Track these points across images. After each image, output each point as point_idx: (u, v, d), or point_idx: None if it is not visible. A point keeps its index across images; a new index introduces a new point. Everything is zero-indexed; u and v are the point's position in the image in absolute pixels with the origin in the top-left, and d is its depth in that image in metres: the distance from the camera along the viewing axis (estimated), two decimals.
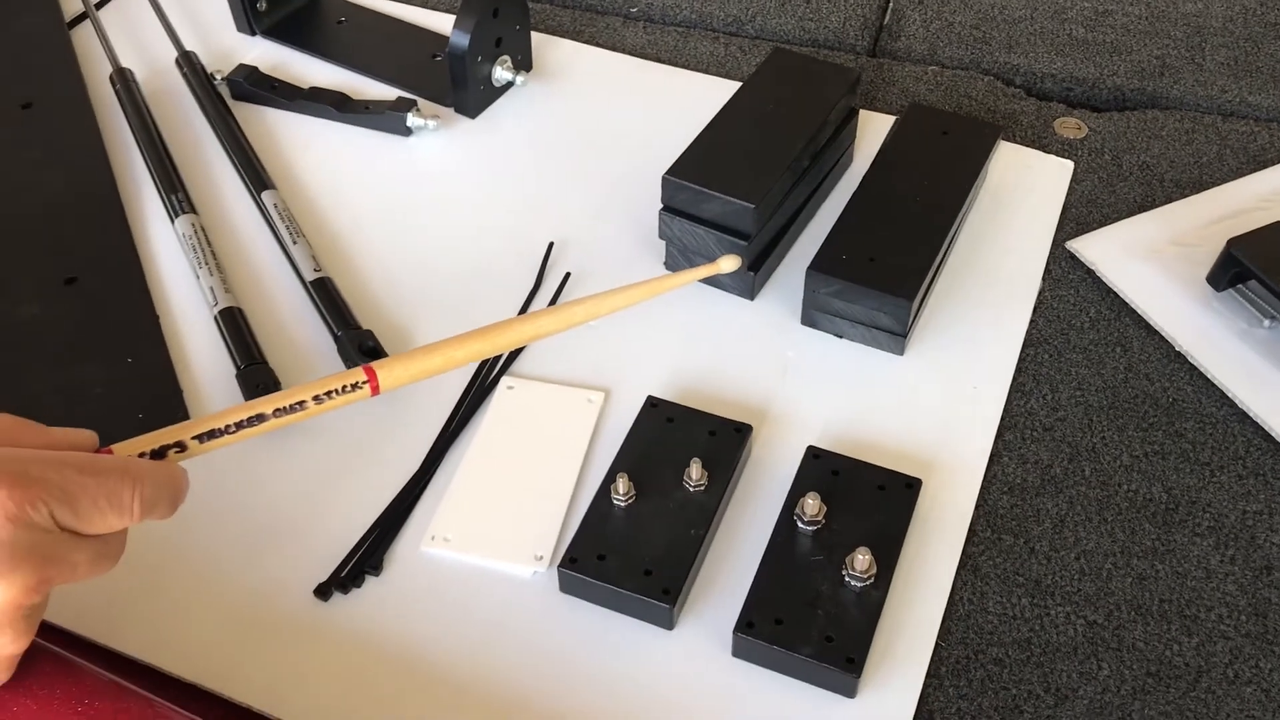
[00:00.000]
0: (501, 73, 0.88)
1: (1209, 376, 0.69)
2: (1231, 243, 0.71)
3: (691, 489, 0.61)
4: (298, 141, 0.87)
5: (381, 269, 0.76)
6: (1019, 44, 0.96)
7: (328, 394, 0.53)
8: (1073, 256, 0.77)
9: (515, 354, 0.71)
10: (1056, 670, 0.56)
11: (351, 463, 0.65)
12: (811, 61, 0.81)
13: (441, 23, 0.97)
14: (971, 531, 0.62)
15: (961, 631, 0.58)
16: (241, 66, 0.90)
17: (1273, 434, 0.66)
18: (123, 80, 0.89)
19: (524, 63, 0.91)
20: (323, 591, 0.59)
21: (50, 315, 0.73)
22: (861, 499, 0.61)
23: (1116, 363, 0.70)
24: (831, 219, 0.73)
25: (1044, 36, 0.96)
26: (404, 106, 0.86)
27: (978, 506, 0.63)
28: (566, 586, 0.59)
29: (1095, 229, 0.78)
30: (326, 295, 0.72)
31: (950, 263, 0.76)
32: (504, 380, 0.69)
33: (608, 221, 0.80)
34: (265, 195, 0.79)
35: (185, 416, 0.67)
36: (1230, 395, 0.68)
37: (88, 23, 0.96)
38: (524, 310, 0.74)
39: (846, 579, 0.57)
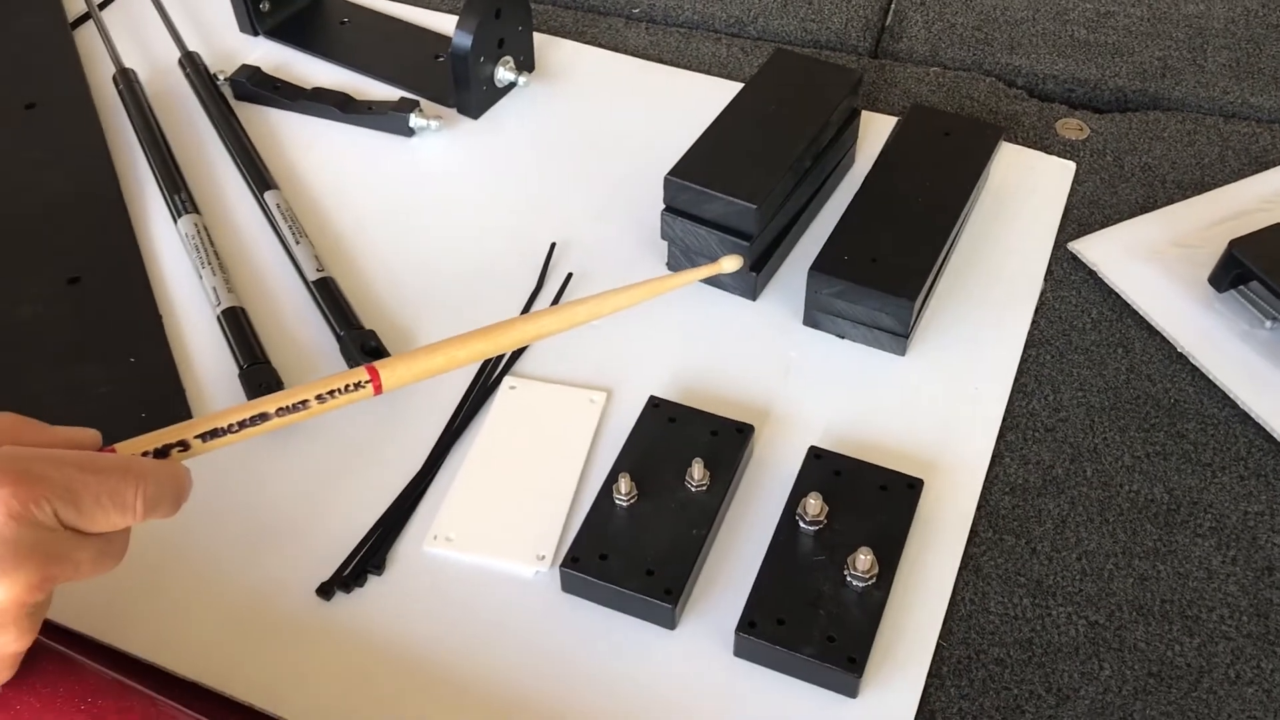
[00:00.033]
0: (504, 73, 0.88)
1: (1211, 377, 0.69)
2: (1233, 244, 0.71)
3: (693, 489, 0.61)
4: (300, 142, 0.87)
5: (384, 269, 0.77)
6: (1021, 45, 0.96)
7: (330, 393, 0.53)
8: (1074, 257, 0.77)
9: (517, 354, 0.71)
10: (1058, 670, 0.56)
11: (354, 462, 0.65)
12: (813, 62, 0.82)
13: (444, 23, 0.97)
14: (973, 532, 0.62)
15: (963, 631, 0.58)
16: (244, 67, 0.90)
17: (1274, 435, 0.66)
18: (126, 80, 0.89)
19: (526, 63, 0.91)
20: (325, 591, 0.59)
21: (53, 315, 0.73)
22: (863, 499, 0.61)
23: (1118, 363, 0.71)
24: (833, 220, 0.73)
25: (1046, 38, 0.96)
26: (406, 107, 0.86)
27: (979, 507, 0.63)
28: (568, 586, 0.59)
29: (1097, 230, 0.78)
30: (329, 295, 0.72)
31: (952, 263, 0.76)
32: (506, 380, 0.69)
33: (610, 222, 0.80)
34: (268, 195, 0.79)
35: (188, 416, 0.67)
36: (1232, 396, 0.68)
37: (91, 23, 0.96)
38: (526, 310, 0.74)
39: (848, 579, 0.57)
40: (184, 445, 0.51)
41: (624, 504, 0.60)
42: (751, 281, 0.73)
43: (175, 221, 0.78)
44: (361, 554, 0.60)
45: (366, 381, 0.54)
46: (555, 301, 0.74)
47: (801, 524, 0.59)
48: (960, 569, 0.60)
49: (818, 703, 0.55)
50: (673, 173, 0.72)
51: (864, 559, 0.56)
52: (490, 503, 0.63)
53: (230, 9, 0.96)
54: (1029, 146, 0.85)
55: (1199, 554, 0.61)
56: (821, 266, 0.69)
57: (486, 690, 0.55)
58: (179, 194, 0.79)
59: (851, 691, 0.55)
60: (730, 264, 0.62)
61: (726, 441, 0.63)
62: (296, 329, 0.72)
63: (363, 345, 0.69)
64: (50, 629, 0.52)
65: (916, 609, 0.58)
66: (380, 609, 0.58)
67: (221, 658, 0.56)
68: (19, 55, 0.94)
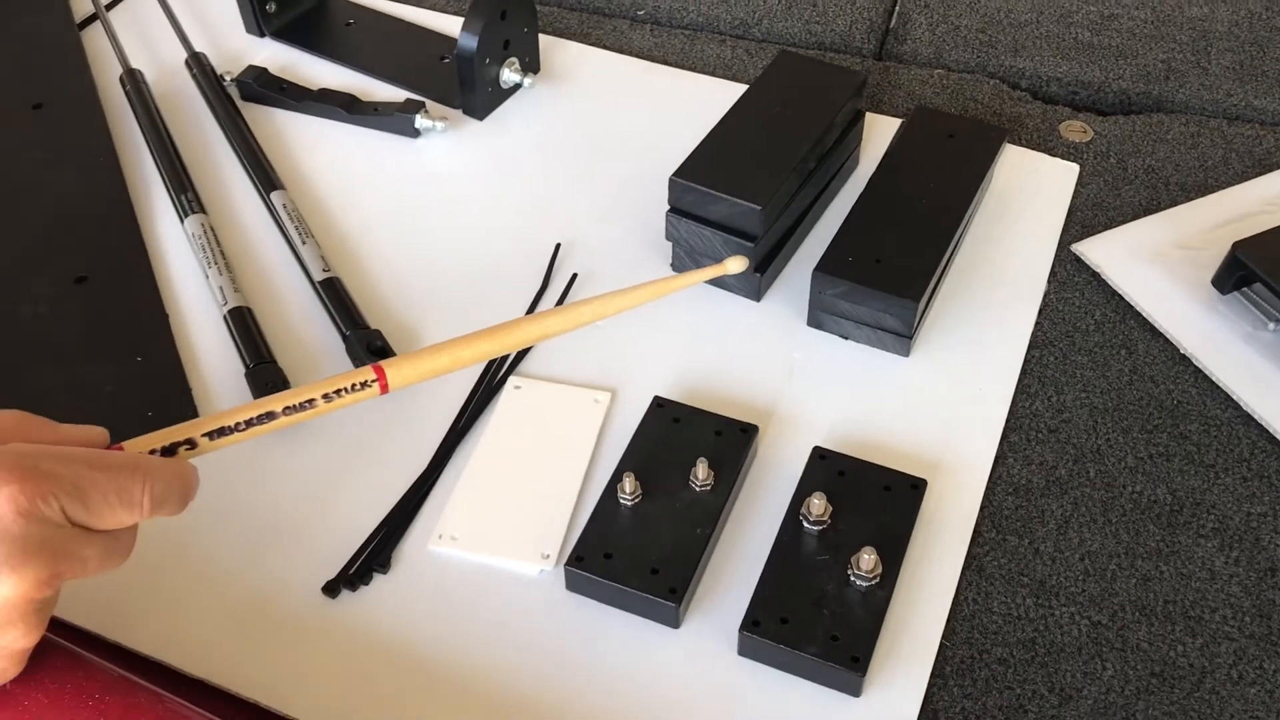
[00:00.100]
0: (509, 75, 0.89)
1: (1214, 379, 0.69)
2: (1236, 246, 0.71)
3: (698, 489, 0.61)
4: (306, 142, 0.87)
5: (390, 269, 0.77)
6: (1025, 48, 0.96)
7: (337, 392, 0.53)
8: (1078, 259, 0.77)
9: (522, 354, 0.71)
10: (1061, 670, 0.56)
11: (360, 461, 0.65)
12: (818, 64, 0.82)
13: (450, 25, 0.97)
14: (976, 532, 0.62)
15: (966, 631, 0.58)
16: (251, 68, 0.91)
17: (1277, 436, 0.66)
18: (133, 81, 0.89)
19: (532, 65, 0.91)
20: (331, 589, 0.59)
21: (60, 314, 0.73)
22: (867, 499, 0.61)
23: (1121, 365, 0.71)
24: (837, 221, 0.73)
25: (1050, 40, 0.97)
26: (412, 108, 0.86)
27: (983, 507, 0.63)
28: (573, 585, 0.59)
29: (1100, 232, 0.79)
30: (335, 295, 0.73)
31: (956, 265, 0.76)
32: (511, 380, 0.69)
33: (614, 223, 0.80)
34: (274, 196, 0.80)
35: (194, 415, 0.67)
36: (1235, 398, 0.68)
37: (98, 24, 0.97)
38: (531, 310, 0.74)
39: (852, 579, 0.57)
40: (191, 443, 0.51)
41: (628, 503, 0.60)
42: (756, 282, 0.73)
43: (182, 221, 0.79)
44: (367, 553, 0.61)
45: (373, 381, 0.54)
46: (560, 302, 0.75)
47: (805, 524, 0.59)
48: (963, 569, 0.60)
49: (821, 702, 0.55)
50: (677, 174, 0.72)
51: (868, 559, 0.56)
52: (495, 502, 0.63)
53: (237, 10, 0.97)
54: (1033, 149, 0.85)
55: (1202, 555, 0.61)
56: (826, 267, 0.69)
57: (491, 688, 0.56)
58: (185, 194, 0.80)
59: (855, 690, 0.55)
60: (735, 265, 0.62)
61: (731, 441, 0.64)
62: (302, 328, 0.73)
63: (368, 345, 0.69)
64: (57, 626, 0.52)
65: (920, 609, 0.58)
66: (386, 607, 0.59)
67: (228, 655, 0.56)
68: (26, 56, 0.94)
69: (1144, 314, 0.73)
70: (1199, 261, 0.75)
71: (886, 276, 0.68)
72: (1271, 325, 0.71)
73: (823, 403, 0.68)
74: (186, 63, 0.92)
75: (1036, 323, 0.73)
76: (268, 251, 0.78)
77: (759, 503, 0.63)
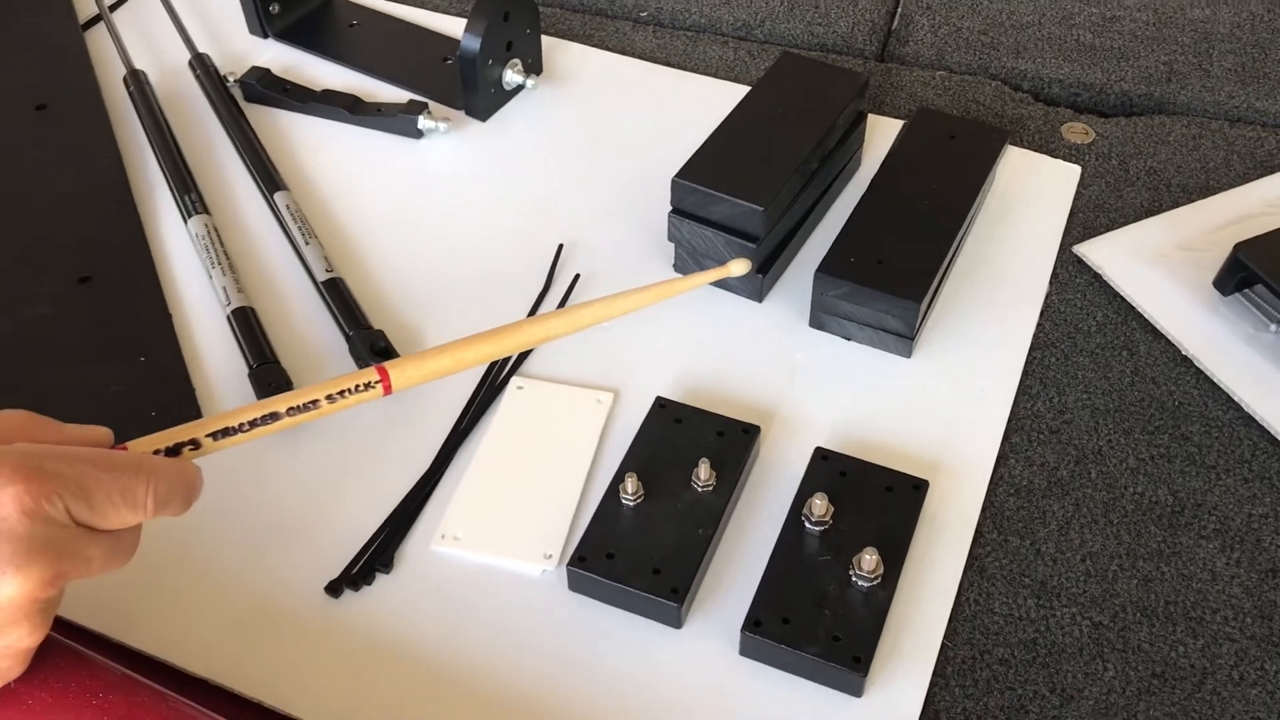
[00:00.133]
0: (512, 76, 0.89)
1: (1215, 380, 0.69)
2: (1238, 247, 0.71)
3: (700, 489, 0.61)
4: (310, 143, 0.87)
5: (393, 270, 0.77)
6: (1027, 49, 0.96)
7: (341, 393, 0.54)
8: (1079, 260, 0.77)
9: (525, 354, 0.71)
10: (1062, 671, 0.57)
11: (362, 461, 0.66)
12: (820, 66, 0.82)
13: (452, 26, 0.97)
14: (978, 533, 0.62)
15: (967, 632, 0.58)
16: (254, 69, 0.91)
17: (1278, 438, 0.66)
18: (136, 82, 0.89)
19: (534, 66, 0.91)
20: (334, 589, 0.59)
21: (64, 314, 0.73)
22: (869, 500, 0.61)
23: (1123, 366, 0.71)
24: (840, 222, 0.73)
25: (1052, 42, 0.97)
26: (415, 109, 0.86)
27: (984, 508, 0.63)
28: (575, 585, 0.59)
29: (1102, 233, 0.79)
30: (338, 295, 0.73)
31: (958, 266, 0.76)
32: (514, 380, 0.69)
33: (617, 224, 0.80)
34: (277, 196, 0.80)
35: (198, 415, 0.67)
36: (1236, 399, 0.68)
37: (102, 25, 0.97)
38: (533, 311, 0.74)
39: (854, 579, 0.57)
40: (195, 444, 0.51)
41: (630, 504, 0.61)
42: (758, 283, 0.74)
43: (185, 222, 0.79)
44: (370, 552, 0.61)
45: (376, 382, 0.54)
46: (563, 303, 0.75)
47: (807, 524, 0.60)
48: (965, 570, 0.60)
49: (823, 702, 0.55)
50: (680, 175, 0.72)
51: (869, 559, 0.56)
52: (497, 502, 0.63)
53: (240, 11, 0.97)
54: (1034, 150, 0.86)
55: (1203, 556, 0.61)
56: (828, 268, 0.70)
57: (493, 688, 0.56)
58: (189, 194, 0.80)
59: (856, 691, 0.55)
60: (738, 268, 0.62)
61: (733, 442, 0.64)
62: (306, 329, 0.73)
63: (371, 345, 0.69)
64: (61, 625, 0.52)
65: (921, 609, 0.59)
66: (388, 607, 0.59)
67: (231, 655, 0.57)
68: (30, 56, 0.95)
69: (1145, 315, 0.73)
70: (1200, 263, 0.75)
71: (888, 277, 0.69)
72: (1273, 327, 0.71)
73: (824, 403, 0.68)
74: (190, 63, 0.92)
75: (1038, 324, 0.73)
76: (271, 252, 0.78)
77: (761, 503, 0.63)
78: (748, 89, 0.80)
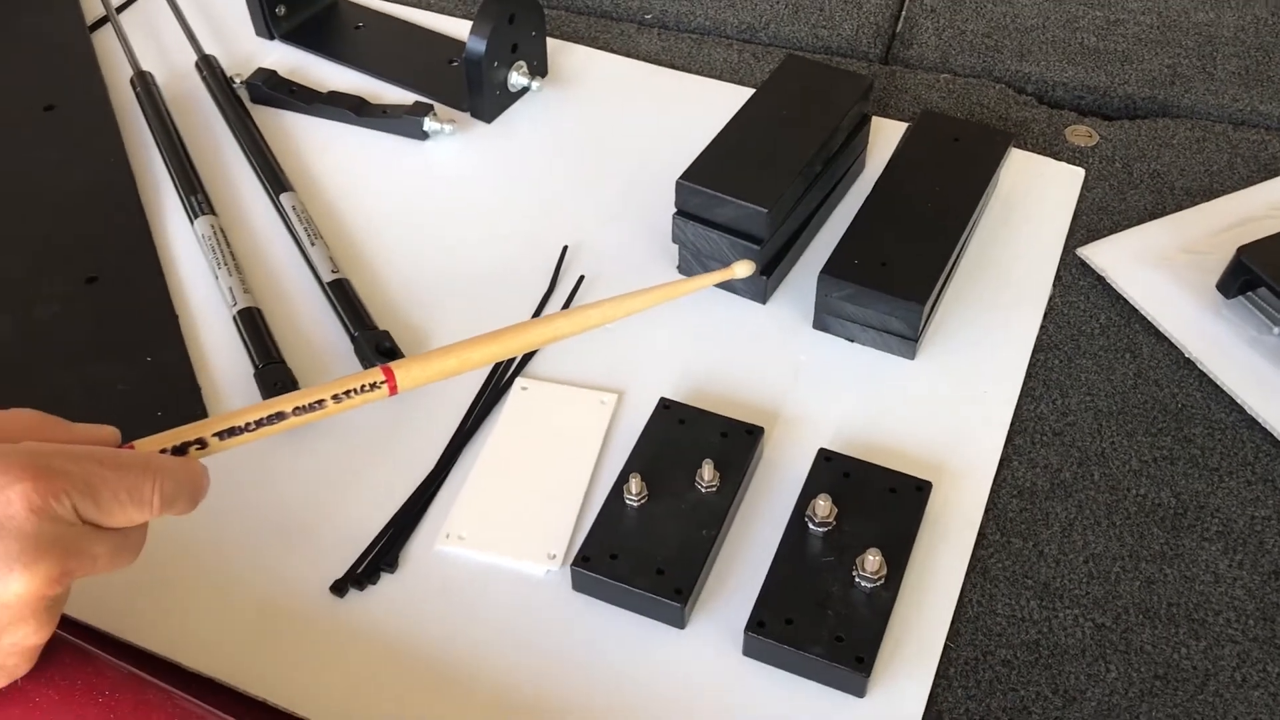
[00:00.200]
0: (517, 78, 0.89)
1: (1218, 383, 0.69)
2: (1241, 250, 0.72)
3: (703, 490, 0.61)
4: (315, 144, 0.87)
5: (398, 271, 0.77)
6: (1031, 52, 0.96)
7: (346, 393, 0.54)
8: (1083, 263, 0.77)
9: (529, 355, 0.71)
10: (1065, 672, 0.57)
11: (368, 461, 0.66)
12: (824, 68, 0.82)
13: (458, 28, 0.97)
14: (981, 534, 0.62)
15: (970, 633, 0.58)
16: (260, 70, 0.91)
17: None
18: (143, 83, 0.90)
19: (539, 68, 0.91)
20: (339, 588, 0.59)
21: (71, 314, 0.73)
22: (872, 501, 0.61)
23: (1126, 369, 0.71)
24: (843, 224, 0.74)
25: (1056, 45, 0.97)
26: (421, 111, 0.86)
27: (987, 510, 0.63)
28: (579, 585, 0.59)
29: (1106, 236, 0.79)
30: (344, 296, 0.73)
31: (961, 268, 0.76)
32: (518, 381, 0.70)
33: (621, 225, 0.80)
34: (283, 197, 0.80)
35: (204, 415, 0.67)
36: (1239, 401, 0.68)
37: (109, 26, 0.97)
38: (538, 312, 0.74)
39: (857, 580, 0.57)
40: (202, 443, 0.51)
41: (634, 504, 0.61)
42: (762, 285, 0.74)
43: (192, 222, 0.79)
44: (375, 552, 0.61)
45: (382, 382, 0.55)
46: (567, 304, 0.75)
47: (811, 525, 0.60)
48: (968, 571, 0.61)
49: (826, 702, 0.55)
50: (684, 177, 0.72)
51: (872, 560, 0.57)
52: (502, 502, 0.63)
53: (246, 13, 0.97)
54: (1038, 153, 0.86)
55: (1206, 558, 0.61)
56: (832, 270, 0.70)
57: (497, 687, 0.56)
58: (196, 195, 0.80)
59: (859, 691, 0.55)
60: (743, 270, 0.62)
61: (736, 443, 0.64)
62: (311, 329, 0.73)
63: (377, 346, 0.69)
64: (68, 624, 0.53)
65: (924, 610, 0.59)
66: (393, 606, 0.59)
67: (236, 654, 0.57)
68: (38, 58, 0.95)
69: (1149, 318, 0.73)
70: (1204, 266, 0.75)
71: (892, 279, 0.69)
72: (1276, 329, 0.71)
73: (828, 405, 0.68)
74: (196, 65, 0.93)
75: (1041, 326, 0.73)
76: (277, 253, 0.79)
77: (764, 504, 0.63)
78: (752, 91, 0.80)
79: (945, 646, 0.57)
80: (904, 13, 1.02)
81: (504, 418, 0.68)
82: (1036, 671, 0.57)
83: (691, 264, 0.75)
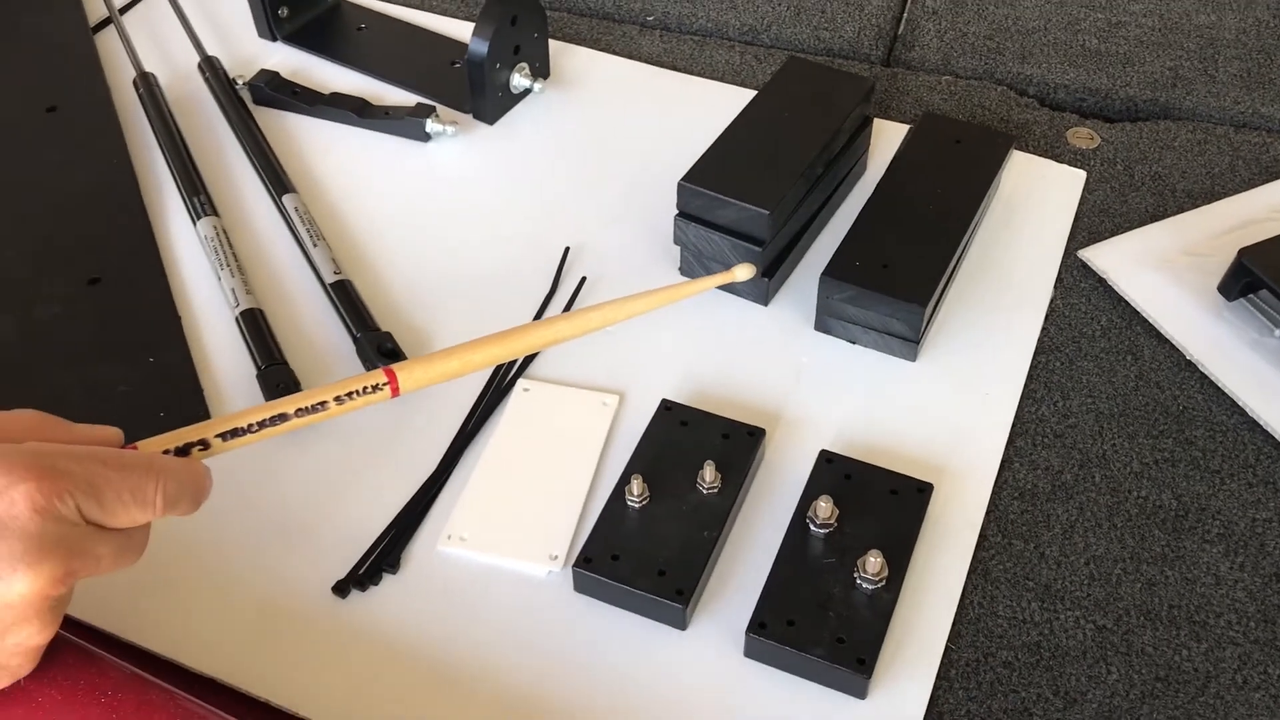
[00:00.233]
0: (519, 80, 0.89)
1: (1219, 385, 0.69)
2: (1243, 252, 0.72)
3: (705, 491, 0.61)
4: (318, 146, 0.88)
5: (400, 272, 0.77)
6: (1032, 54, 0.96)
7: (349, 395, 0.54)
8: (1084, 265, 0.77)
9: (531, 356, 0.71)
10: (1065, 674, 0.57)
11: (370, 463, 0.66)
12: (826, 70, 0.82)
13: (460, 30, 0.98)
14: (982, 536, 0.62)
15: (971, 635, 0.58)
16: (263, 72, 0.91)
17: None
18: (146, 84, 0.90)
19: (542, 70, 0.92)
20: (341, 589, 0.60)
21: (74, 315, 0.74)
22: (873, 503, 0.61)
23: (1127, 371, 0.71)
24: (845, 226, 0.74)
25: (1057, 47, 0.97)
26: (423, 112, 0.87)
27: (988, 511, 0.63)
28: (581, 586, 0.59)
29: (1107, 238, 0.79)
30: (346, 297, 0.73)
31: (963, 270, 0.77)
32: (520, 382, 0.70)
33: (623, 227, 0.80)
34: (286, 199, 0.80)
35: (206, 416, 0.68)
36: (1240, 404, 0.68)
37: (111, 28, 0.97)
38: (540, 314, 0.74)
39: (858, 581, 0.57)
40: (204, 444, 0.51)
41: (636, 505, 0.61)
42: (763, 287, 0.74)
43: (194, 224, 0.79)
44: (377, 553, 0.61)
45: (384, 384, 0.55)
46: (569, 305, 0.75)
47: (812, 527, 0.60)
48: (969, 573, 0.61)
49: (827, 704, 0.55)
50: (686, 178, 0.72)
51: (874, 562, 0.57)
52: (504, 503, 0.63)
53: (249, 14, 0.97)
54: (1040, 155, 0.86)
55: (1207, 560, 0.61)
56: (833, 272, 0.70)
57: (498, 688, 0.56)
58: (198, 196, 0.80)
59: (860, 693, 0.55)
60: (744, 273, 0.63)
61: (738, 445, 0.64)
62: (314, 331, 0.73)
63: (379, 347, 0.69)
64: (70, 624, 0.53)
65: (925, 612, 0.59)
66: (395, 607, 0.59)
67: (238, 654, 0.57)
68: (40, 59, 0.95)
69: (1150, 320, 0.73)
70: (1205, 268, 0.75)
71: (894, 281, 0.69)
72: (1277, 332, 0.71)
73: (829, 406, 0.68)
74: (199, 66, 0.93)
75: (1043, 328, 0.73)
76: (279, 254, 0.79)
77: (766, 505, 0.63)
78: (754, 93, 0.81)
79: (946, 648, 0.58)
80: (906, 15, 1.02)
81: (506, 419, 0.68)
82: (1038, 673, 0.57)
83: (693, 265, 0.76)
